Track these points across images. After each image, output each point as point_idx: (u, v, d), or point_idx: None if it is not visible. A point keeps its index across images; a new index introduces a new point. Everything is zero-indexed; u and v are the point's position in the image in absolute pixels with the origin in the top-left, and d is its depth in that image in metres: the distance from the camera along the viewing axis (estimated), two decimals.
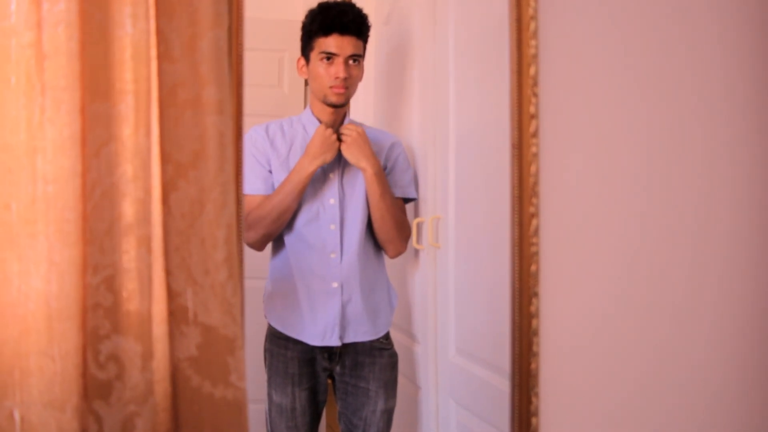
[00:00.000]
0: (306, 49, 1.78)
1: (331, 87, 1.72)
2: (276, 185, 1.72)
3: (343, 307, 1.72)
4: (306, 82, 1.86)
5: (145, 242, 0.89)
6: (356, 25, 1.74)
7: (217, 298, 0.95)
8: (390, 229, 1.74)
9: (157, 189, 0.94)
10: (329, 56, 1.72)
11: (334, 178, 1.74)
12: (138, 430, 0.86)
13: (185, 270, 0.94)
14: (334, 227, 1.72)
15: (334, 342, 1.71)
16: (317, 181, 1.73)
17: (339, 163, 1.74)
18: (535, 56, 1.32)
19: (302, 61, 1.80)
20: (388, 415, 1.75)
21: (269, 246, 1.77)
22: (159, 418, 0.93)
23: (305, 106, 1.80)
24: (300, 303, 1.71)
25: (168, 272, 0.94)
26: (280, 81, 1.91)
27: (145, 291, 0.89)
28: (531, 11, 1.32)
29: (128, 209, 0.88)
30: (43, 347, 0.86)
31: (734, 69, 1.41)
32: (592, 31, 1.36)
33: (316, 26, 1.73)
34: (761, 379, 1.41)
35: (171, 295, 0.94)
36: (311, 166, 1.67)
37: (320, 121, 1.77)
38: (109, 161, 0.87)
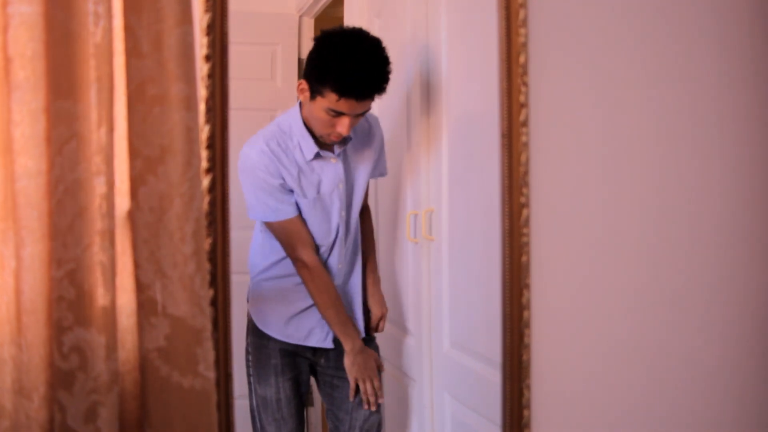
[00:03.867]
0: (311, 83, 1.57)
1: (329, 135, 1.61)
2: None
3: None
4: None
5: (108, 236, 0.91)
6: (377, 91, 1.56)
7: (186, 290, 0.97)
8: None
9: (124, 184, 0.96)
10: (337, 113, 1.56)
11: (340, 207, 1.71)
12: (101, 418, 0.88)
13: (154, 263, 0.96)
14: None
15: (328, 344, 1.73)
16: (327, 204, 1.69)
17: (345, 184, 1.70)
18: (525, 45, 1.30)
19: (304, 86, 1.59)
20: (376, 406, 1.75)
21: (256, 238, 1.76)
22: (129, 406, 0.96)
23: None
24: (296, 306, 1.73)
25: (137, 265, 0.96)
26: (273, 74, 1.90)
27: (108, 284, 0.91)
28: None
29: (90, 204, 0.90)
30: (14, 338, 0.90)
31: (729, 62, 1.38)
32: (582, 19, 1.34)
33: (330, 82, 1.52)
34: (755, 372, 1.38)
35: (140, 287, 0.97)
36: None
37: (313, 138, 1.64)
38: (71, 158, 0.89)
